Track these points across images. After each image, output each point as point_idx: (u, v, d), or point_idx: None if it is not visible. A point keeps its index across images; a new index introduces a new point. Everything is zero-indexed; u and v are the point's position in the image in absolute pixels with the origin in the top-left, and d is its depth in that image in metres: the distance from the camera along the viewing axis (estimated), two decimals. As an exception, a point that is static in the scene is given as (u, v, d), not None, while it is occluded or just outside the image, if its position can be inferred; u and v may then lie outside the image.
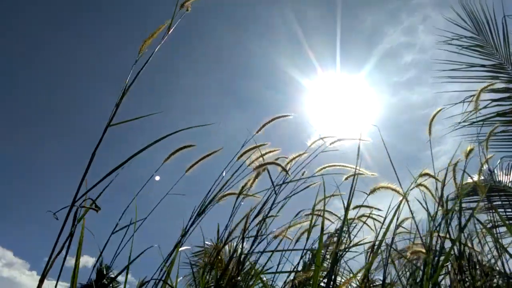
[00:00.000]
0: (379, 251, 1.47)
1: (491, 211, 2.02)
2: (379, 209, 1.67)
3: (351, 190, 1.49)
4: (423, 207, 1.58)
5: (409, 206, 1.52)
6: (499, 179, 3.01)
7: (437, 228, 1.48)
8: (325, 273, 1.56)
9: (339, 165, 1.64)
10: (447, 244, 1.48)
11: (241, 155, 1.63)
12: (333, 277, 1.31)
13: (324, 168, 1.66)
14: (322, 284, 1.52)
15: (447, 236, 1.46)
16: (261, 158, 1.59)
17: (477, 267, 1.57)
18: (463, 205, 1.77)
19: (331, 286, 1.27)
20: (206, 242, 3.67)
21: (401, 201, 1.44)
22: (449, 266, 1.54)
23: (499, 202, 2.72)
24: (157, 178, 1.49)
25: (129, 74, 1.17)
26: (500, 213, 2.60)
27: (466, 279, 1.54)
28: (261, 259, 1.54)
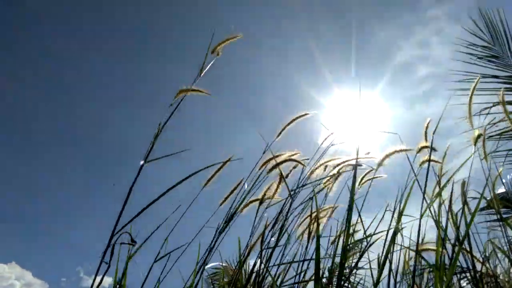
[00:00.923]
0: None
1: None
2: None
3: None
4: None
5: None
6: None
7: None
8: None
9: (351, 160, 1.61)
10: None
11: (263, 164, 1.60)
12: None
13: (339, 165, 1.64)
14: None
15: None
16: (280, 165, 1.56)
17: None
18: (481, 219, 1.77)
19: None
20: (219, 263, 3.68)
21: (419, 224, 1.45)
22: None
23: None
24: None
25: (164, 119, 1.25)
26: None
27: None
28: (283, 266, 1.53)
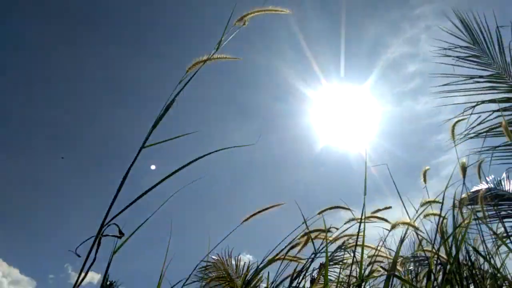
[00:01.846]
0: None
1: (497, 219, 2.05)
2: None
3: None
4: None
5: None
6: (506, 188, 3.05)
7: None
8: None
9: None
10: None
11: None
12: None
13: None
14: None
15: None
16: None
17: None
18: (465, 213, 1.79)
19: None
20: (213, 257, 3.65)
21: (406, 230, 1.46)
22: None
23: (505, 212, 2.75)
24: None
25: (167, 102, 1.18)
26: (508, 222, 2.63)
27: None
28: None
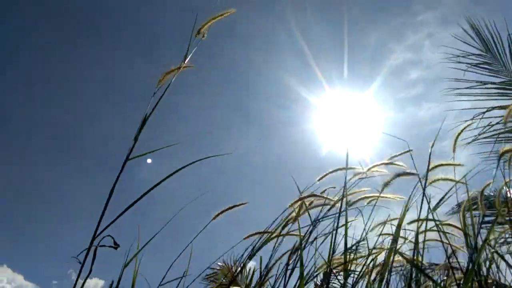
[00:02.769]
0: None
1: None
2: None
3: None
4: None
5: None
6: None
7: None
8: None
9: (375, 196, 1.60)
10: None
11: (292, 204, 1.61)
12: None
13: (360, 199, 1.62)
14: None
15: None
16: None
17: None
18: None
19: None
20: (218, 263, 3.62)
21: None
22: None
23: None
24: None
25: (148, 106, 1.18)
26: None
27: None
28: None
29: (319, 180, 1.66)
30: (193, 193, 1.51)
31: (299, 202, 1.57)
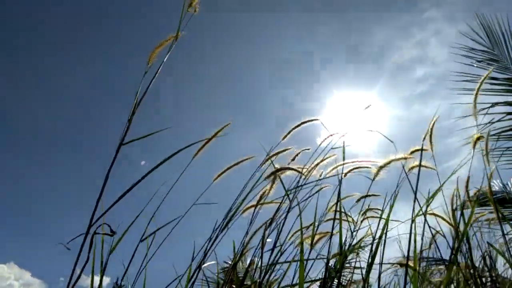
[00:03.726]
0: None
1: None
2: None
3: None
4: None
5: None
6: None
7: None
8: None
9: (355, 162, 1.55)
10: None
11: (264, 162, 1.57)
12: None
13: (337, 166, 1.58)
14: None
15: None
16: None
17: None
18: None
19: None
20: (225, 262, 3.64)
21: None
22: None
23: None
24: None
25: (139, 87, 1.14)
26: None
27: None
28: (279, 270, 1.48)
29: (283, 138, 1.61)
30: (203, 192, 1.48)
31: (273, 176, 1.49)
